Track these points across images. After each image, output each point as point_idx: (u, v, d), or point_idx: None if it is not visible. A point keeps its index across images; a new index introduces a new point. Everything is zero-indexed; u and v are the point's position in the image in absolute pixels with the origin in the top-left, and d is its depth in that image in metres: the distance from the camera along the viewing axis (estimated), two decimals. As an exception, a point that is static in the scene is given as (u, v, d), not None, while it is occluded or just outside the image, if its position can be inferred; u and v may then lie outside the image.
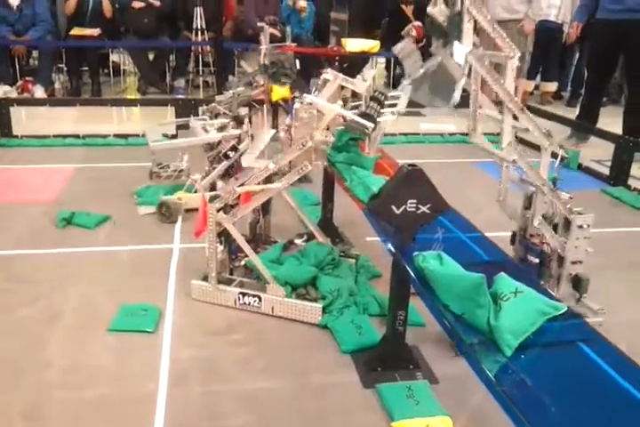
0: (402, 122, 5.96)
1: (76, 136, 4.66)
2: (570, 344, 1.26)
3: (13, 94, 6.28)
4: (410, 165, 1.81)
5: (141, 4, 6.54)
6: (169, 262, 2.69)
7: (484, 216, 3.39)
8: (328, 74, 2.31)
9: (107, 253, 2.78)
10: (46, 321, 2.20)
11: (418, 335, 2.15)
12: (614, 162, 4.21)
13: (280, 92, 3.10)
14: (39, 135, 4.65)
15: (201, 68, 7.09)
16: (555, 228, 2.22)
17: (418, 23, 7.88)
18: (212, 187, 3.10)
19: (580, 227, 2.15)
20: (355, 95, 2.41)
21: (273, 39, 6.81)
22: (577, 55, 7.44)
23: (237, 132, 3.03)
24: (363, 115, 2.23)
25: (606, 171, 4.30)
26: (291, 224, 2.97)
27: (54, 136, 4.66)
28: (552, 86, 7.45)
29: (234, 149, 3.06)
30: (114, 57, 7.40)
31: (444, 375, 1.95)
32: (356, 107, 2.35)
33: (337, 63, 3.39)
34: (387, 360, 1.99)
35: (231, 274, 2.46)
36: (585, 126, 4.94)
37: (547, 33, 6.72)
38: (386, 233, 1.82)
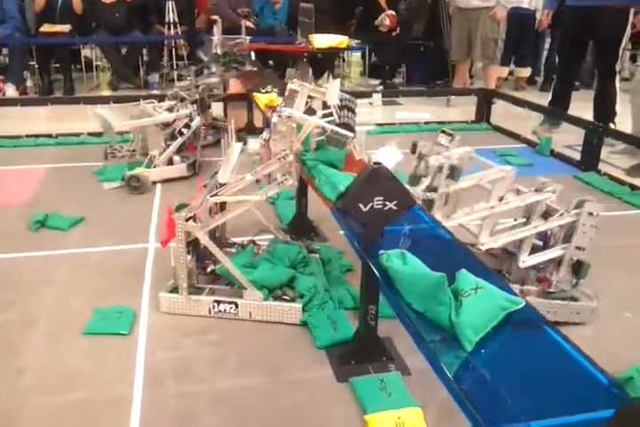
0: (378, 111, 6.03)
1: (49, 136, 4.62)
2: (527, 337, 1.30)
3: (-16, 94, 6.23)
4: (375, 163, 1.84)
5: (112, -1, 6.46)
6: (144, 263, 2.69)
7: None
8: (294, 84, 2.32)
9: (81, 255, 2.78)
10: (21, 327, 2.20)
11: (392, 327, 2.17)
12: (585, 147, 4.27)
13: (266, 98, 3.09)
14: (11, 136, 4.59)
15: (175, 62, 7.04)
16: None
17: (391, 12, 7.93)
18: (170, 161, 3.67)
19: (591, 214, 2.21)
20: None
21: (247, 32, 6.84)
22: (548, 41, 7.49)
23: (188, 111, 3.51)
24: (340, 125, 2.25)
25: (578, 156, 4.36)
26: (245, 223, 2.90)
27: (27, 136, 4.61)
28: (526, 72, 7.51)
29: (187, 126, 3.59)
30: (85, 52, 7.32)
31: (416, 367, 1.98)
32: (327, 115, 2.36)
33: (304, 59, 3.39)
34: (360, 354, 2.02)
35: (197, 282, 2.42)
36: (556, 112, 4.99)
37: (520, 19, 6.75)
38: (353, 231, 1.84)
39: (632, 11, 4.67)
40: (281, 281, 2.34)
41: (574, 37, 4.94)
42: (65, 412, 1.78)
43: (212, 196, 2.23)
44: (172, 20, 6.66)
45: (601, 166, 4.22)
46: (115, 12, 6.48)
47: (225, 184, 2.25)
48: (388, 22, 7.03)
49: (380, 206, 1.81)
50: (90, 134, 4.68)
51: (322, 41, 3.36)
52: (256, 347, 2.12)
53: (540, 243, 2.39)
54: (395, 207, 1.82)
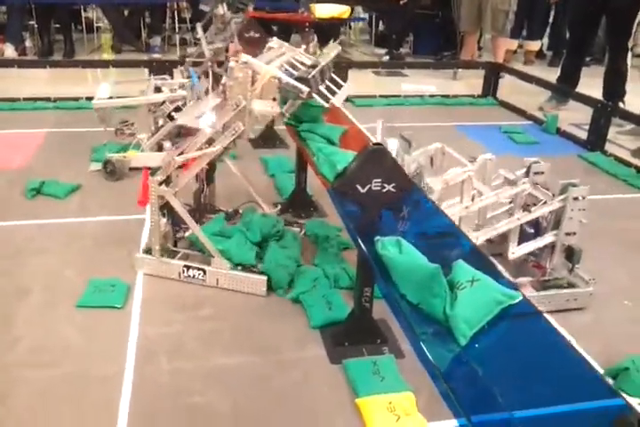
0: (383, 82, 5.92)
1: (47, 99, 4.53)
2: (522, 332, 1.28)
3: (-18, 52, 6.10)
4: (374, 143, 1.80)
5: (114, -42, 6.28)
6: (140, 234, 2.66)
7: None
8: (274, 42, 2.26)
9: (77, 224, 2.75)
10: (13, 297, 2.19)
11: (387, 309, 2.16)
12: (592, 127, 4.19)
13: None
14: (8, 98, 4.51)
15: (177, 24, 6.89)
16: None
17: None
18: (159, 147, 3.15)
19: (576, 199, 2.18)
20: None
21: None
22: (552, 13, 7.30)
23: (183, 93, 3.00)
24: (298, 78, 2.20)
25: (585, 135, 4.29)
26: (239, 192, 2.89)
27: (24, 99, 4.52)
28: (535, 45, 7.36)
29: (177, 109, 3.06)
30: (87, 13, 7.15)
31: (409, 350, 1.96)
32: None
33: (307, 28, 3.29)
34: (354, 335, 2.02)
35: (175, 245, 2.45)
36: (564, 90, 4.89)
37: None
38: (349, 215, 1.80)
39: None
40: (247, 259, 2.33)
41: (586, 13, 4.80)
42: (55, 386, 1.78)
43: (178, 155, 2.22)
44: (174, -18, 6.48)
45: (607, 147, 4.15)
46: (117, -30, 6.31)
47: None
48: (396, -11, 6.85)
49: (379, 188, 1.78)
50: (88, 99, 4.58)
51: (323, 10, 3.25)
52: (250, 323, 2.11)
53: (532, 230, 2.36)
54: (393, 190, 1.79)
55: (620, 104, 4.85)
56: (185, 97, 3.03)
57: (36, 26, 6.36)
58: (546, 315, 2.20)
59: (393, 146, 2.41)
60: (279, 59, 2.35)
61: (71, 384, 1.79)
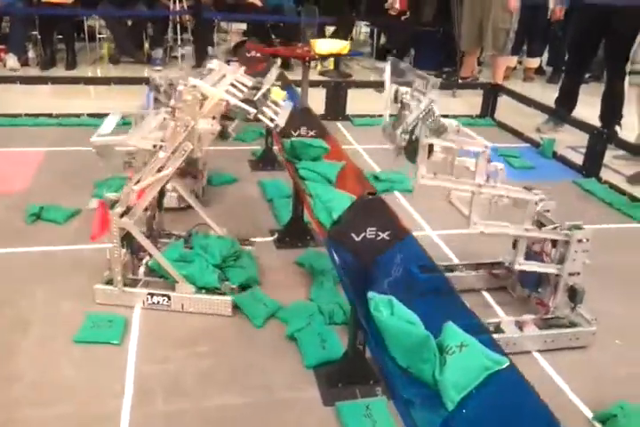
0: (382, 99, 5.96)
1: (49, 115, 4.56)
2: (509, 398, 1.32)
3: (-16, 63, 6.14)
4: (369, 193, 1.83)
5: (117, -30, 6.31)
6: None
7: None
8: (213, 64, 2.32)
9: (76, 251, 2.78)
10: (12, 330, 2.22)
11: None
12: (588, 153, 4.23)
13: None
14: (10, 114, 4.54)
15: (179, 37, 6.92)
16: (554, 241, 2.31)
17: (402, -5, 7.64)
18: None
19: (580, 241, 2.22)
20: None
21: (253, 9, 6.71)
22: (560, 33, 7.34)
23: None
24: (245, 100, 2.27)
25: (581, 158, 4.32)
26: (187, 214, 2.98)
27: (26, 115, 4.55)
28: (535, 62, 7.41)
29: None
30: (89, 22, 7.18)
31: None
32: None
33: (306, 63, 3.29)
34: (347, 376, 2.05)
35: (133, 273, 2.48)
36: (561, 115, 4.94)
37: (531, 9, 6.62)
38: (343, 268, 1.84)
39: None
40: (210, 282, 2.39)
41: (586, 36, 4.85)
42: (53, 426, 1.81)
43: (134, 184, 2.28)
44: (177, -6, 6.51)
45: (603, 171, 4.19)
46: (120, -17, 6.33)
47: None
48: (397, 5, 6.90)
49: (373, 236, 1.82)
50: (90, 115, 4.63)
51: (323, 47, 3.30)
52: (245, 361, 2.14)
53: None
54: (387, 238, 1.83)
55: (617, 127, 4.91)
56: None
57: (38, 36, 6.40)
58: (537, 354, 2.28)
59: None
60: (223, 81, 2.42)
61: (68, 425, 1.82)
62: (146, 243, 2.33)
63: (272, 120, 2.44)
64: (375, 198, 1.80)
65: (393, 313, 1.44)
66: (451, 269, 2.65)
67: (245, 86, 2.47)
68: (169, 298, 2.36)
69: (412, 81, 2.42)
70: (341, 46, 3.28)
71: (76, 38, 6.80)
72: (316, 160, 2.56)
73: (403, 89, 2.55)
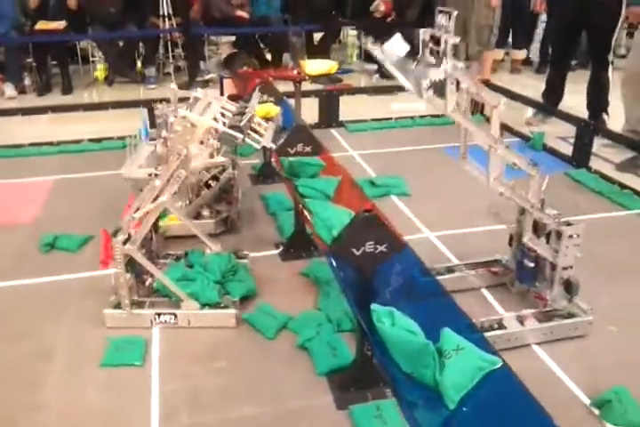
0: (374, 102, 6.07)
1: (51, 143, 4.70)
2: (502, 395, 1.45)
3: (-17, 94, 6.28)
4: (366, 210, 1.96)
5: (106, -6, 6.44)
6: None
7: (456, 212, 3.56)
8: (198, 93, 2.45)
9: (91, 278, 2.91)
10: (38, 359, 2.34)
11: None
12: (576, 144, 4.35)
13: (262, 109, 3.15)
14: (14, 145, 4.68)
15: (171, 53, 7.05)
16: (548, 235, 2.43)
17: (386, -3, 7.73)
18: (197, 215, 3.25)
19: (571, 236, 2.36)
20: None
21: (241, 21, 6.83)
22: (543, 24, 7.44)
23: (222, 159, 3.07)
24: (232, 127, 2.40)
25: (570, 149, 4.43)
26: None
27: (29, 145, 4.69)
28: (521, 54, 7.53)
29: (215, 178, 3.18)
30: (82, 44, 7.31)
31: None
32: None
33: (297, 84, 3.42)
34: (358, 381, 2.18)
35: (138, 295, 2.61)
36: (548, 108, 5.05)
37: (515, 1, 6.74)
38: (346, 282, 1.96)
39: (624, 2, 4.68)
40: (212, 298, 2.54)
41: (567, 28, 4.97)
42: (87, 449, 1.94)
43: (134, 212, 2.42)
44: (166, 13, 6.63)
45: (593, 160, 4.31)
46: (109, 6, 6.46)
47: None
48: (382, 8, 7.01)
49: (372, 250, 1.95)
50: (90, 140, 4.76)
51: (313, 67, 3.45)
52: (260, 372, 2.27)
53: (531, 264, 2.52)
54: (385, 250, 1.96)
55: (604, 115, 5.02)
56: (224, 164, 3.10)
57: (33, 64, 6.54)
58: (536, 346, 2.40)
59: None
60: (210, 109, 2.55)
61: (101, 446, 1.95)
62: (150, 266, 2.47)
63: (259, 142, 2.59)
64: (372, 216, 1.93)
65: (394, 323, 1.57)
66: (451, 269, 2.78)
67: (230, 112, 2.61)
68: (175, 316, 2.51)
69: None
70: (330, 66, 3.42)
71: (69, 62, 6.94)
72: (313, 177, 2.69)
73: (422, 30, 2.65)
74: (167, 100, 4.04)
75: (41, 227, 3.39)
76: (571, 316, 2.44)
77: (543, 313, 2.45)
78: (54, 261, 3.07)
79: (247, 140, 2.58)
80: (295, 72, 3.48)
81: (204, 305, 2.52)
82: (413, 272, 2.01)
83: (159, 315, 2.52)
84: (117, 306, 2.51)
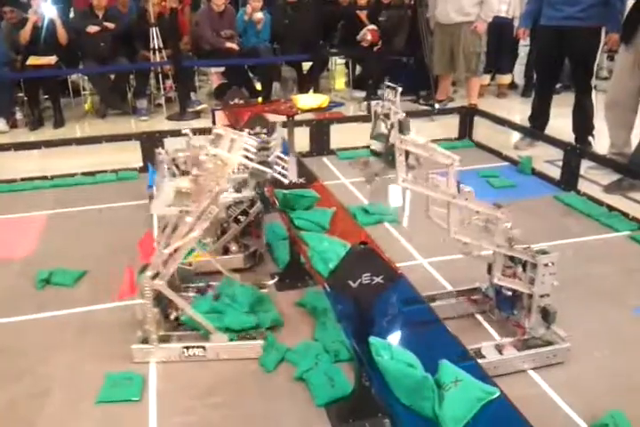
0: (364, 129, 6.15)
1: (44, 177, 4.72)
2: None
3: (-25, 129, 6.32)
4: (361, 243, 2.00)
5: (96, 29, 6.54)
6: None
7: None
8: (219, 129, 2.50)
9: (88, 314, 2.91)
10: (34, 399, 2.33)
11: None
12: (564, 168, 4.42)
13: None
14: (6, 180, 4.70)
15: (162, 85, 7.14)
16: (524, 265, 2.46)
17: (373, 27, 8.08)
18: (225, 250, 3.26)
19: (546, 265, 2.38)
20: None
21: (230, 53, 6.94)
22: (527, 48, 7.61)
23: (252, 193, 3.09)
24: (261, 163, 2.46)
25: (558, 172, 4.49)
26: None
27: (22, 179, 4.71)
28: (506, 79, 7.69)
29: (244, 213, 3.19)
30: (73, 77, 7.40)
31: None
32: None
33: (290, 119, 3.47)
34: (357, 412, 2.18)
35: (165, 330, 2.61)
36: (535, 133, 5.14)
37: (498, 28, 6.90)
38: (344, 315, 1.98)
39: (603, 29, 4.81)
40: (248, 327, 2.57)
41: (549, 56, 5.09)
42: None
43: (164, 248, 2.43)
44: (156, 46, 6.74)
45: (580, 183, 4.37)
46: (100, 41, 6.57)
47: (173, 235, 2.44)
48: (369, 37, 7.16)
49: (369, 281, 1.98)
50: (84, 174, 4.80)
51: (305, 102, 3.54)
52: (259, 407, 2.27)
53: (509, 293, 2.54)
54: (382, 281, 2.00)
55: (590, 138, 5.12)
56: (253, 198, 3.13)
57: (25, 98, 6.60)
58: (532, 372, 2.41)
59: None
60: (236, 145, 2.61)
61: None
62: (179, 301, 2.50)
63: (284, 176, 2.62)
64: (367, 248, 1.97)
65: (393, 357, 1.59)
66: (433, 298, 2.75)
67: (254, 147, 2.64)
68: (204, 349, 2.52)
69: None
70: (322, 100, 3.50)
71: (61, 95, 7.01)
72: (308, 209, 2.72)
73: (374, 102, 2.73)
74: (159, 133, 4.15)
75: (36, 262, 3.39)
76: (549, 343, 2.45)
77: (522, 341, 2.46)
78: (50, 297, 3.06)
79: (276, 175, 2.62)
80: (287, 106, 3.55)
81: (240, 331, 2.54)
82: (408, 302, 2.03)
83: (187, 348, 2.52)
84: (144, 341, 2.52)
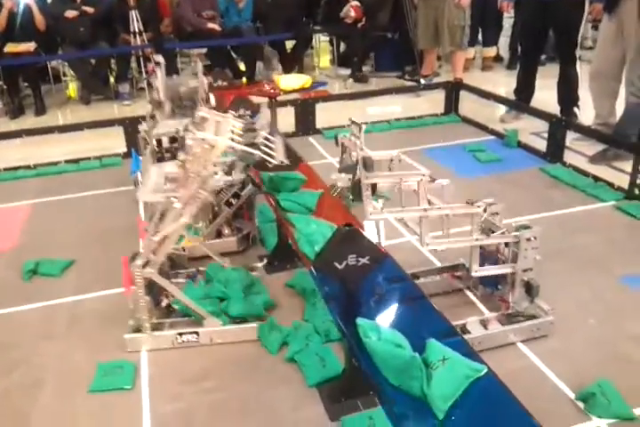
0: (349, 107, 6.10)
1: (28, 167, 4.67)
2: (489, 401, 1.48)
3: (-45, 119, 6.22)
4: (346, 224, 1.99)
5: (75, 13, 6.40)
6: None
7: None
8: (203, 111, 2.48)
9: (76, 303, 2.90)
10: (28, 389, 2.33)
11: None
12: (549, 140, 4.41)
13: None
14: (-12, 170, 4.64)
15: (143, 68, 7.03)
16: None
17: (355, 3, 7.94)
18: (218, 233, 3.25)
19: (529, 239, 2.38)
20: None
21: (212, 35, 6.83)
22: (511, 20, 7.53)
23: (242, 176, 3.05)
24: (249, 145, 2.45)
25: (544, 144, 4.48)
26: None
27: (5, 169, 4.65)
28: (491, 51, 7.63)
29: (236, 195, 3.18)
30: (53, 63, 7.27)
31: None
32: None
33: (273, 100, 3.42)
34: (348, 391, 2.19)
35: (156, 317, 2.60)
36: (520, 106, 5.11)
37: (481, 1, 6.82)
38: (330, 297, 1.98)
39: (587, 0, 4.76)
40: (258, 312, 2.61)
41: (533, 27, 5.04)
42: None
43: (153, 235, 2.42)
44: (137, 30, 6.62)
45: (566, 154, 4.37)
46: (79, 26, 6.43)
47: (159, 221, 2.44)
48: (353, 13, 7.05)
49: (355, 262, 1.98)
50: (67, 162, 4.74)
51: (287, 83, 3.48)
52: (251, 389, 2.28)
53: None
54: (367, 262, 1.99)
55: (575, 109, 5.10)
56: (244, 181, 3.08)
57: (4, 86, 6.49)
58: (521, 344, 2.43)
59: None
60: (222, 128, 2.57)
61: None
62: (172, 288, 2.49)
63: (273, 157, 2.60)
64: (352, 230, 1.96)
65: (380, 338, 1.59)
66: (417, 275, 2.75)
67: (240, 129, 2.62)
68: (197, 334, 2.53)
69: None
70: (304, 81, 3.45)
71: (41, 82, 6.89)
72: (294, 191, 2.70)
73: (341, 135, 2.77)
74: (142, 118, 4.08)
75: (22, 253, 3.36)
76: (532, 317, 2.47)
77: (506, 316, 2.48)
78: (37, 288, 3.04)
79: (264, 156, 2.59)
80: (270, 88, 3.49)
81: (236, 318, 2.54)
82: (393, 280, 2.04)
83: (181, 335, 2.52)
84: (136, 330, 2.51)
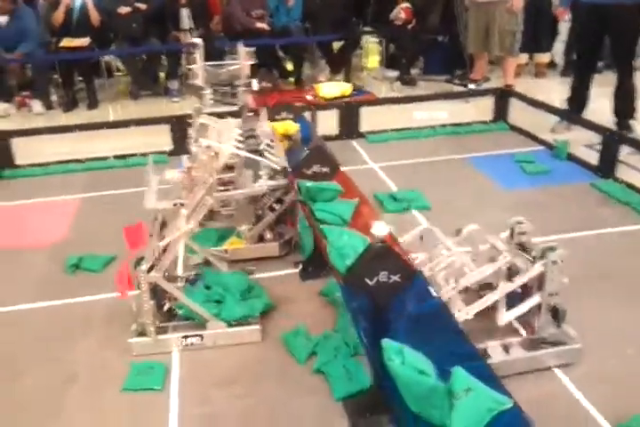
0: (395, 111, 6.05)
1: (78, 161, 4.79)
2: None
3: (12, 110, 6.44)
4: (378, 240, 1.97)
5: (128, 10, 6.55)
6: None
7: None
8: (203, 119, 2.48)
9: (115, 300, 2.94)
10: (60, 385, 2.39)
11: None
12: (602, 154, 4.27)
13: (281, 127, 3.15)
14: (41, 163, 4.78)
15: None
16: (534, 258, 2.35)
17: (406, 4, 7.86)
18: (260, 238, 3.25)
19: (555, 262, 2.28)
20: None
21: (261, 34, 6.86)
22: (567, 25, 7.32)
23: (284, 181, 3.04)
24: (252, 151, 2.45)
25: (596, 157, 4.32)
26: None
27: (57, 163, 4.79)
28: (545, 57, 7.44)
29: (279, 201, 3.18)
30: (106, 58, 7.45)
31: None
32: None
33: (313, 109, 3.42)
34: (374, 406, 2.17)
35: (160, 321, 2.62)
36: (573, 117, 4.97)
37: (536, 6, 6.66)
38: (358, 312, 1.97)
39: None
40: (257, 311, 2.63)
41: (588, 35, 4.91)
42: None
43: (159, 241, 2.46)
44: (187, 27, 6.72)
45: (619, 168, 4.21)
46: (131, 22, 6.58)
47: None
48: (403, 15, 6.98)
49: (386, 280, 1.97)
50: (116, 157, 4.85)
51: (327, 91, 3.47)
52: (278, 399, 2.29)
53: (519, 290, 2.43)
54: (399, 279, 1.98)
55: (631, 122, 4.93)
56: (285, 186, 3.06)
57: (59, 80, 6.68)
58: (556, 369, 2.36)
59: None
60: (225, 135, 2.59)
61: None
62: (176, 293, 2.51)
63: (277, 164, 2.63)
64: (384, 246, 1.95)
65: (404, 362, 1.57)
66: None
67: (241, 136, 2.66)
68: (202, 337, 2.55)
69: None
70: (344, 88, 3.43)
71: (95, 76, 7.07)
72: (330, 201, 2.69)
73: None
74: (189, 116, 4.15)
75: (68, 247, 3.46)
76: (558, 343, 2.36)
77: (530, 341, 2.37)
78: (79, 283, 3.12)
79: (267, 162, 2.61)
80: (310, 95, 3.50)
81: (235, 320, 2.56)
82: (422, 299, 2.01)
83: (185, 337, 2.55)
84: (141, 334, 2.54)
